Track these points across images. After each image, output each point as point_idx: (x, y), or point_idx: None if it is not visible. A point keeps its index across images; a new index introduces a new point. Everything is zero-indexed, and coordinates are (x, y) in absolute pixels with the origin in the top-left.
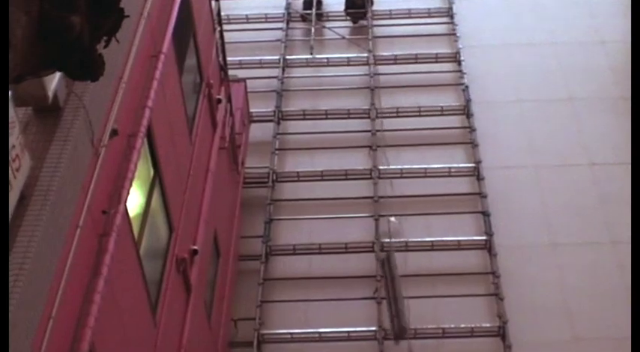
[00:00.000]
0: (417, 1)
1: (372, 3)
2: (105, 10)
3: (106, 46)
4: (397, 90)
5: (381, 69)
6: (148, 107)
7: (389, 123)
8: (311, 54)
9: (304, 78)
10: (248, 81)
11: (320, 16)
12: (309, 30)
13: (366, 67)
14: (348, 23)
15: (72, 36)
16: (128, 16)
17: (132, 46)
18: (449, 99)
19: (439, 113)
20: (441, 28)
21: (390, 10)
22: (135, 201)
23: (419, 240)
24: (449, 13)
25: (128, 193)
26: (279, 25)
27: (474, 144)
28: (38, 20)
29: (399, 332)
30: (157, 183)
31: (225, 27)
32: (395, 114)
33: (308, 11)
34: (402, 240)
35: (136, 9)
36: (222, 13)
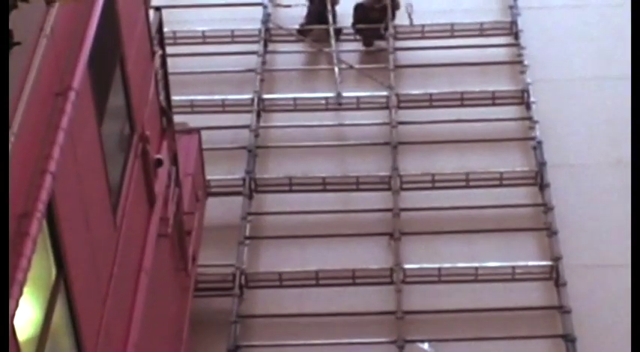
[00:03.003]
0: (464, 13)
1: (393, 16)
2: None
3: None
4: (432, 147)
5: (408, 115)
6: (50, 172)
7: (419, 199)
8: (339, 97)
9: (290, 128)
10: (205, 132)
11: (306, 34)
12: (303, 54)
13: (385, 112)
14: (358, 45)
15: None
16: (19, 44)
17: (25, 78)
18: (512, 161)
19: (497, 183)
20: (501, 53)
21: (423, 26)
22: (28, 315)
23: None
24: (512, 29)
25: (17, 304)
26: (253, 47)
27: (550, 232)
28: None
29: None
30: (62, 288)
31: (170, 50)
32: (430, 186)
33: (313, 26)
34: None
35: (33, 24)
36: (167, 29)
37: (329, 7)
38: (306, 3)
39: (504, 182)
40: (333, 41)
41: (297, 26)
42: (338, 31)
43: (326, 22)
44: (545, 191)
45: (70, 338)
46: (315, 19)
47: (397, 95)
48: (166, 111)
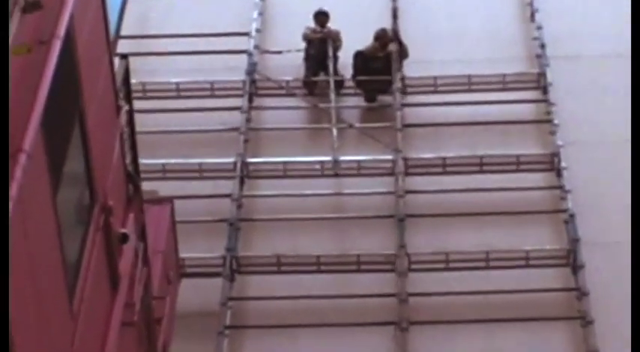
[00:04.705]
0: (483, 63)
1: (399, 66)
2: None
3: None
4: (446, 221)
5: (418, 183)
6: None
7: (431, 282)
8: (337, 162)
9: (279, 197)
10: (179, 202)
11: (312, 87)
12: (295, 111)
13: (391, 179)
14: (359, 100)
15: None
16: None
17: None
18: (540, 238)
19: (523, 264)
20: (527, 111)
21: (435, 79)
22: None
23: None
24: (540, 83)
25: None
26: (235, 102)
27: (585, 321)
28: None
29: None
30: None
31: (138, 105)
32: (443, 266)
33: (318, 78)
34: None
35: None
36: (135, 80)
37: (330, 52)
38: (302, 48)
39: (531, 262)
40: (332, 95)
41: (288, 78)
42: (339, 84)
43: (326, 70)
44: (579, 273)
45: None
46: (318, 68)
47: (405, 159)
48: (133, 177)
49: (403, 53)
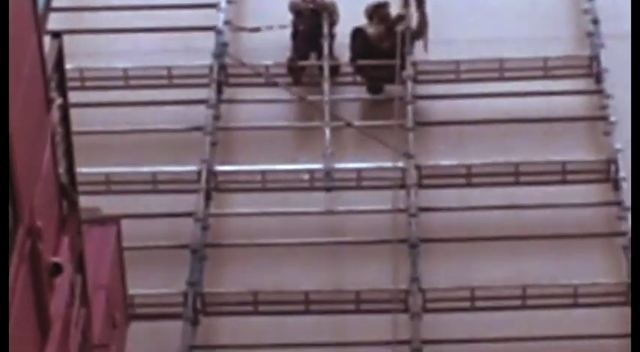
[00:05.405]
0: (519, 44)
1: (411, 47)
2: None
3: None
4: (472, 247)
5: (436, 198)
6: None
7: (452, 326)
8: (330, 172)
9: (255, 217)
10: (127, 222)
11: (300, 74)
12: (276, 105)
13: (401, 193)
14: (360, 90)
15: None
16: None
17: None
18: (594, 268)
19: (571, 302)
20: (574, 105)
21: (458, 63)
22: None
23: None
24: (591, 69)
25: None
26: (200, 93)
27: None
28: None
29: None
30: None
31: (75, 96)
32: (468, 305)
33: (306, 63)
34: None
35: None
36: (71, 65)
37: (325, 28)
38: (287, 24)
39: (581, 300)
40: (326, 85)
41: (268, 62)
42: (335, 70)
43: (319, 52)
44: None
45: None
46: (308, 48)
47: (418, 167)
48: (69, 190)
49: (419, 31)
